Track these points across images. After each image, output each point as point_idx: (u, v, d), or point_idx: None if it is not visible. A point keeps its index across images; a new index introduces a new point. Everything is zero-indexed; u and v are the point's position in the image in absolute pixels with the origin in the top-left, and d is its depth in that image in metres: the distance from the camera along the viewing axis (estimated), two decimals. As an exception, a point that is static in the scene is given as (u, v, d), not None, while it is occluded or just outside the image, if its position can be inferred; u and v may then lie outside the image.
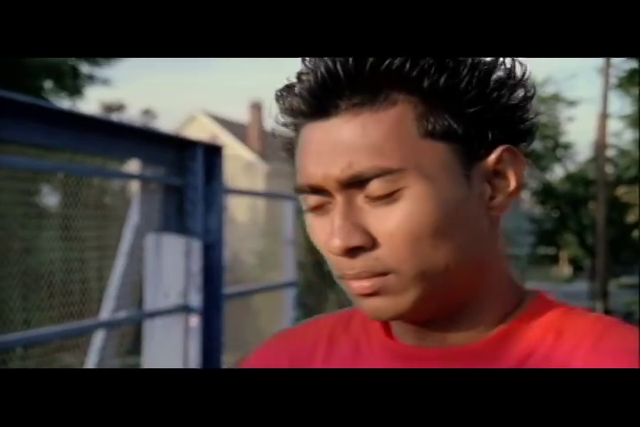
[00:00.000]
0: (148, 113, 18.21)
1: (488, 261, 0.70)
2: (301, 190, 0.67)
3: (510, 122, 0.68)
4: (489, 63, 0.67)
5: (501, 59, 0.68)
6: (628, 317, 23.76)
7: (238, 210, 5.26)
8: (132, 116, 18.10)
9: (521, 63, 0.68)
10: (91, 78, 13.02)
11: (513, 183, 0.69)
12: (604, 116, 20.77)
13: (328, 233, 0.66)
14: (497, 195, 0.68)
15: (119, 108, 17.95)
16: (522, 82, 0.68)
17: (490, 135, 0.67)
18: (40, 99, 11.29)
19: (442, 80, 0.65)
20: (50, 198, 3.25)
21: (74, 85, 12.59)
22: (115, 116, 17.79)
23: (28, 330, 2.46)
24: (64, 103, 12.83)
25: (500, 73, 0.67)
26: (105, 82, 13.42)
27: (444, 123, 0.65)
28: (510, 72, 0.68)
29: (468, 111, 0.65)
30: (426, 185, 0.65)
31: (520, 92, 0.68)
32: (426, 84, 0.65)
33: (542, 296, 0.73)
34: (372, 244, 0.65)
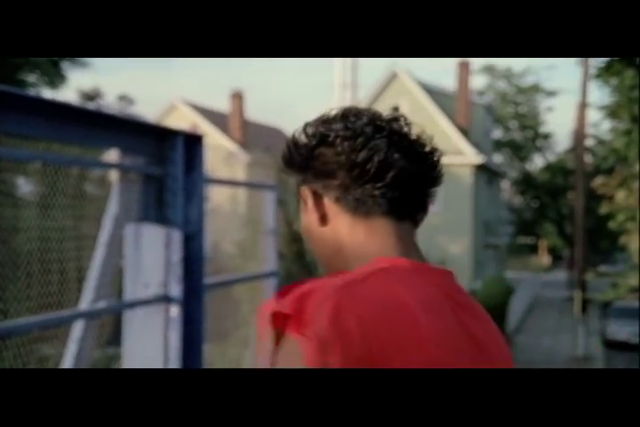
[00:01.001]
0: (124, 98, 17.95)
1: (337, 251, 1.15)
2: None
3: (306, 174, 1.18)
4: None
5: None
6: (607, 303, 24.02)
7: (219, 200, 5.23)
8: (109, 102, 17.85)
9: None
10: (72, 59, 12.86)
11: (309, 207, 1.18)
12: (583, 107, 20.90)
13: None
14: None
15: (97, 95, 17.69)
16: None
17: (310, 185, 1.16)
18: (18, 86, 11.15)
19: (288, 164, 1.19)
20: (27, 188, 3.21)
21: (54, 70, 12.47)
22: (92, 104, 17.56)
23: (5, 321, 2.44)
24: (43, 90, 12.70)
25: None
26: (84, 65, 13.29)
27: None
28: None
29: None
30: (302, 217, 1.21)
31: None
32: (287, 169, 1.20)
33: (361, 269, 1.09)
34: None
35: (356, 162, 1.09)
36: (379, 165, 1.08)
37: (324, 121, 1.14)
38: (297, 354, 0.96)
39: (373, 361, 0.95)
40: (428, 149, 1.13)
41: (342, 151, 1.10)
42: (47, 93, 12.64)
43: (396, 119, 1.14)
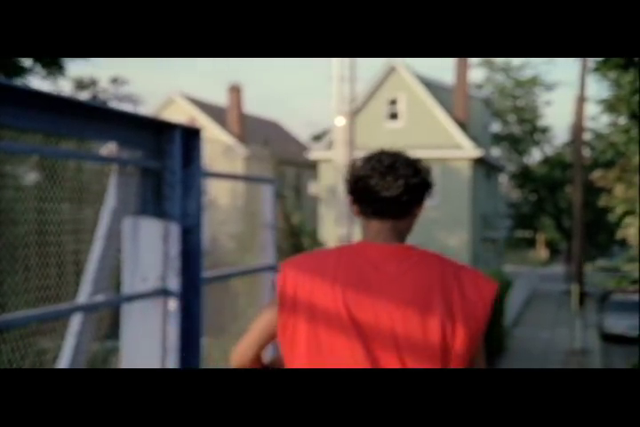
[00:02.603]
0: (116, 81, 17.72)
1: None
2: None
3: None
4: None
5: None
6: (604, 297, 24.01)
7: (217, 193, 5.23)
8: (103, 87, 17.67)
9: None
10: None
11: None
12: (582, 100, 20.89)
13: None
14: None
15: (91, 83, 17.50)
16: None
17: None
18: (16, 74, 11.13)
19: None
20: (25, 180, 3.21)
21: (54, 62, 12.45)
22: (86, 91, 17.49)
23: (3, 314, 2.44)
24: (40, 80, 12.69)
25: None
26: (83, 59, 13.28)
27: None
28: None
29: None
30: None
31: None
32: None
33: None
34: None
35: (355, 190, 2.04)
36: (364, 192, 2.01)
37: (361, 159, 2.07)
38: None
39: (295, 304, 1.94)
40: (401, 181, 1.98)
41: (350, 182, 2.04)
42: (44, 83, 12.65)
43: (391, 162, 2.01)
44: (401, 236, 2.03)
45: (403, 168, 1.99)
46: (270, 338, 2.03)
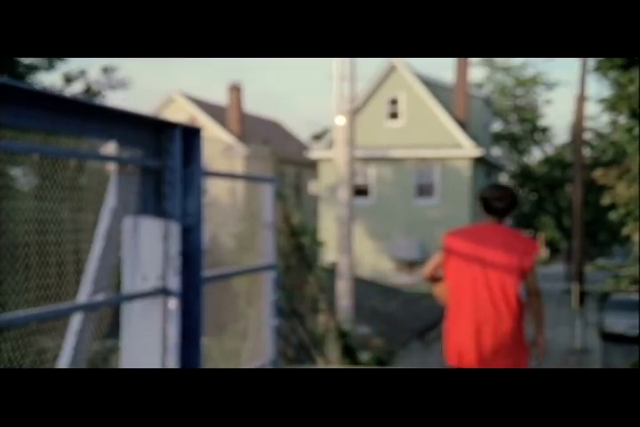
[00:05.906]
0: (107, 70, 17.62)
1: None
2: None
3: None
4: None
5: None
6: (603, 298, 23.98)
7: (217, 193, 5.23)
8: (94, 77, 17.64)
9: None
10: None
11: None
12: (582, 99, 20.87)
13: None
14: None
15: (80, 75, 17.40)
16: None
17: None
18: (11, 67, 11.11)
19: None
20: (24, 180, 3.20)
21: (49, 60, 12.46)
22: (79, 83, 17.44)
23: (3, 313, 2.44)
24: (36, 74, 12.66)
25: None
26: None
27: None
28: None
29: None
30: None
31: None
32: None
33: None
34: None
35: (485, 203, 4.23)
36: (487, 205, 4.21)
37: None
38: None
39: (451, 250, 4.17)
40: (504, 203, 4.19)
41: (482, 199, 4.26)
42: (39, 77, 12.64)
43: (496, 188, 4.30)
44: (500, 222, 4.15)
45: (505, 195, 4.14)
46: (440, 266, 4.18)
